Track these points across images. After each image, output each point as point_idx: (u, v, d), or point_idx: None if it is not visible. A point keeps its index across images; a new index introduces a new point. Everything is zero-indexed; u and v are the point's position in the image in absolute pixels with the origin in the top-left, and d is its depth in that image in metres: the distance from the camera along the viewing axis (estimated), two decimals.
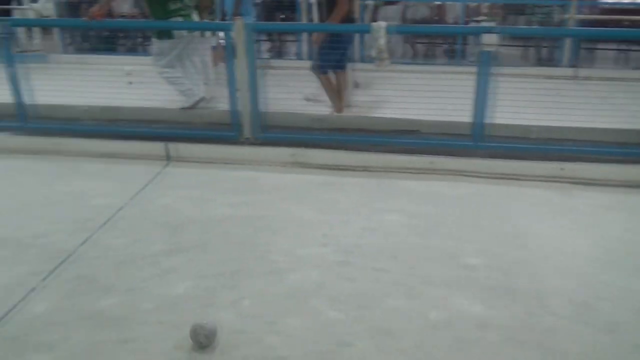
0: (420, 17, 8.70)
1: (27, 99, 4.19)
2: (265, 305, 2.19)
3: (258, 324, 2.08)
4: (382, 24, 3.80)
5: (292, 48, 8.97)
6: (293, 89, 4.86)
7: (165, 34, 4.51)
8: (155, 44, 4.65)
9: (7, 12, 7.82)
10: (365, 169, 3.67)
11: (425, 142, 3.96)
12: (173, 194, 3.29)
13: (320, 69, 4.76)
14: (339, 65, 4.80)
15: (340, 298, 2.23)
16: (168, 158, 3.85)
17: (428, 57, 8.90)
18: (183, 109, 4.63)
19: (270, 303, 2.21)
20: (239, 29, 3.87)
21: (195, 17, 4.79)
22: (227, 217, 2.98)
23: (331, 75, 4.82)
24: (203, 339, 1.93)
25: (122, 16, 7.69)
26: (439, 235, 2.80)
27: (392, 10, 8.38)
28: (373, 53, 3.92)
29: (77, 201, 3.16)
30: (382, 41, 3.82)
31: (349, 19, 4.60)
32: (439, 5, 8.95)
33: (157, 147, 3.87)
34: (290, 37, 8.96)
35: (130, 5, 7.89)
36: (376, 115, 4.66)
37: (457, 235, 2.79)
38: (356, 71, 5.79)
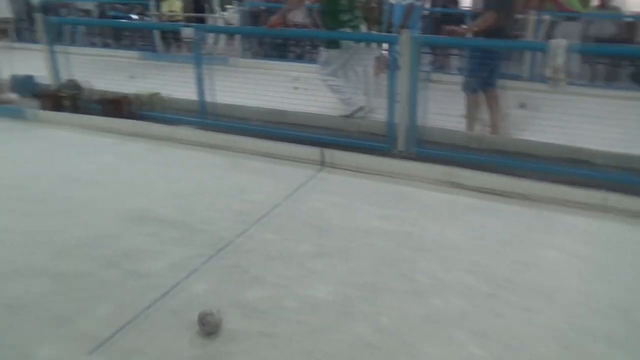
0: (605, 35, 7.83)
1: (208, 98, 4.68)
2: (403, 326, 2.14)
3: (394, 343, 2.04)
4: (562, 42, 3.50)
5: (454, 62, 8.73)
6: (451, 105, 4.72)
7: (333, 43, 4.70)
8: (323, 53, 4.87)
9: (202, 20, 8.88)
10: (525, 197, 3.40)
11: (599, 175, 3.54)
12: (324, 198, 3.40)
13: (468, 87, 4.56)
14: (489, 82, 4.51)
15: (485, 333, 2.09)
16: (322, 163, 3.99)
17: (610, 80, 7.97)
18: (342, 116, 4.77)
19: (409, 324, 2.15)
20: (405, 41, 3.87)
21: (363, 28, 4.92)
22: (374, 229, 2.98)
23: (480, 95, 4.56)
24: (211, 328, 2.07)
25: (295, 25, 8.21)
26: (608, 283, 2.47)
27: (572, 26, 7.68)
28: (548, 73, 3.62)
29: (240, 195, 3.44)
30: (560, 61, 3.51)
31: (499, 33, 4.30)
32: (628, 23, 7.97)
33: (313, 152, 4.04)
34: (454, 51, 8.73)
35: (304, 16, 8.40)
36: (541, 140, 4.30)
37: (632, 287, 2.43)
38: (524, 91, 5.42)
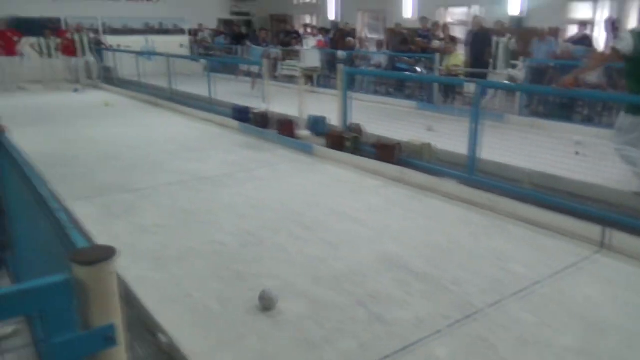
0: None
1: (477, 153, 4.57)
2: None
3: None
4: None
5: None
6: None
7: (636, 109, 4.05)
8: (622, 118, 4.24)
9: (483, 75, 8.85)
10: None
11: None
12: (599, 287, 2.89)
13: None
14: None
15: None
16: (601, 244, 3.42)
17: None
18: (635, 193, 4.04)
19: None
20: None
21: None
22: None
23: None
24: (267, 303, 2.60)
25: (588, 85, 7.44)
26: None
27: None
28: None
29: (496, 261, 3.20)
30: None
31: None
32: None
33: (591, 230, 3.50)
34: None
35: (599, 75, 7.54)
36: None
37: None
38: None
